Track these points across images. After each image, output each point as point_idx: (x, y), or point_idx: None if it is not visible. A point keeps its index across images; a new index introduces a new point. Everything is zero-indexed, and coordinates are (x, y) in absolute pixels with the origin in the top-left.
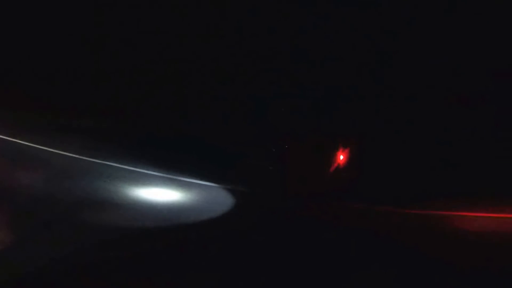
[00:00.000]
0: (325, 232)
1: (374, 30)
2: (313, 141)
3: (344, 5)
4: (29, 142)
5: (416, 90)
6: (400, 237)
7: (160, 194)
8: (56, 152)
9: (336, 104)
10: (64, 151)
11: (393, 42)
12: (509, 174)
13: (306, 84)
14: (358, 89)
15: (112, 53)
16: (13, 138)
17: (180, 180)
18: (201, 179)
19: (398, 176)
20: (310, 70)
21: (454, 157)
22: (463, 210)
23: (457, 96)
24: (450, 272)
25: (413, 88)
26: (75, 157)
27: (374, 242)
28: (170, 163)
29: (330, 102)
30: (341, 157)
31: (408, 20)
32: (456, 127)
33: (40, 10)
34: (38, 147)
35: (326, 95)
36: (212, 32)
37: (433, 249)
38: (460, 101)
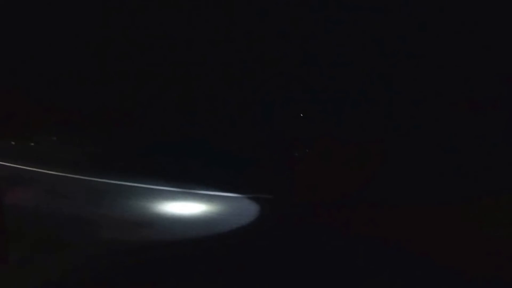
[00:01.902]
0: (333, 239)
1: (382, 34)
2: (322, 146)
3: (352, 10)
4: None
5: (423, 94)
6: (407, 241)
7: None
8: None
9: (342, 110)
10: (72, 174)
11: (401, 46)
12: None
13: (315, 90)
14: (366, 95)
15: (120, 62)
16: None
17: (188, 193)
18: (212, 190)
19: (404, 177)
20: (319, 74)
21: (459, 159)
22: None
23: (465, 100)
24: (459, 276)
25: (421, 92)
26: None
27: (383, 249)
28: (172, 176)
29: (336, 107)
30: (347, 161)
31: (416, 24)
32: (462, 130)
33: (40, 26)
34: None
35: (333, 100)
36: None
37: (442, 253)
38: (468, 105)
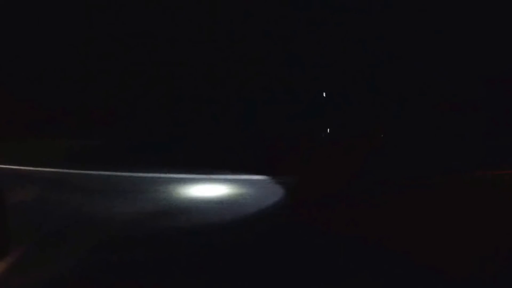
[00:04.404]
0: (315, 238)
1: (367, 35)
2: (307, 144)
3: (338, 10)
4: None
5: (407, 95)
6: (391, 241)
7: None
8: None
9: (327, 107)
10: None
11: (386, 47)
12: None
13: (298, 87)
14: (351, 93)
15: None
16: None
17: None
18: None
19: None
20: (305, 73)
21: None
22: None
23: (449, 101)
24: (441, 277)
25: (405, 92)
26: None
27: (363, 248)
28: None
29: (322, 104)
30: (334, 157)
31: (402, 26)
32: (446, 131)
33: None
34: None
35: (319, 98)
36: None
37: (422, 254)
38: (452, 106)
